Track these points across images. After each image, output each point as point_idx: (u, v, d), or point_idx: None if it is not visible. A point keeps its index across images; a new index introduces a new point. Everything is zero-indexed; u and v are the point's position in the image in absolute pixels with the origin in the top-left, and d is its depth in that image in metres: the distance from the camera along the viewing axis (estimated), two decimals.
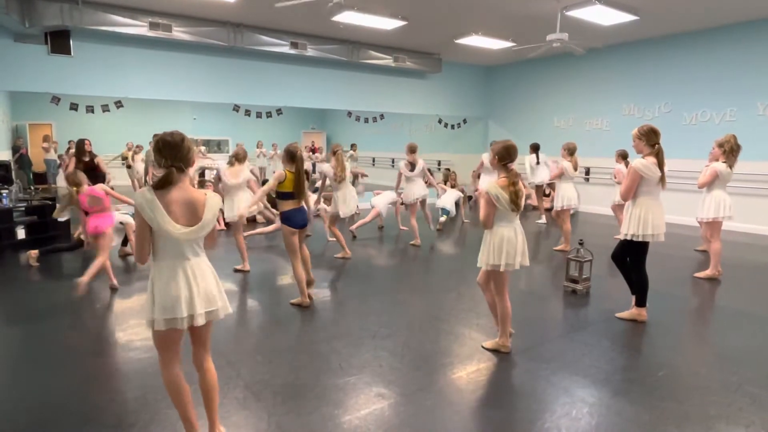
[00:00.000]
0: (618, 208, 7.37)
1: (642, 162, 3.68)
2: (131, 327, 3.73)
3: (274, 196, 4.27)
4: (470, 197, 11.37)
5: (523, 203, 3.10)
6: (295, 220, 4.10)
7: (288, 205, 4.08)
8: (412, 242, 6.75)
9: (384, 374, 3.02)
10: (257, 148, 12.88)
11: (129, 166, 10.39)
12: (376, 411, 2.60)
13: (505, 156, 3.10)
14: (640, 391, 2.83)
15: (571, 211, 8.10)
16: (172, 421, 2.47)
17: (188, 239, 2.04)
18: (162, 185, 2.01)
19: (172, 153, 2.06)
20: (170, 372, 2.15)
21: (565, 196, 6.42)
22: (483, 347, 3.40)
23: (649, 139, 3.71)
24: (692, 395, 2.80)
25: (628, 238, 3.80)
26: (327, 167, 6.06)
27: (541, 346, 3.47)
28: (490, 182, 3.16)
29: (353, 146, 12.82)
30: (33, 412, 2.58)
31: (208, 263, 2.17)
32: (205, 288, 2.10)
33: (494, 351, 3.34)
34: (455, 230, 8.10)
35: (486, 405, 2.72)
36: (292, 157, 4.07)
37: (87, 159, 7.21)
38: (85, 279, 4.13)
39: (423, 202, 6.86)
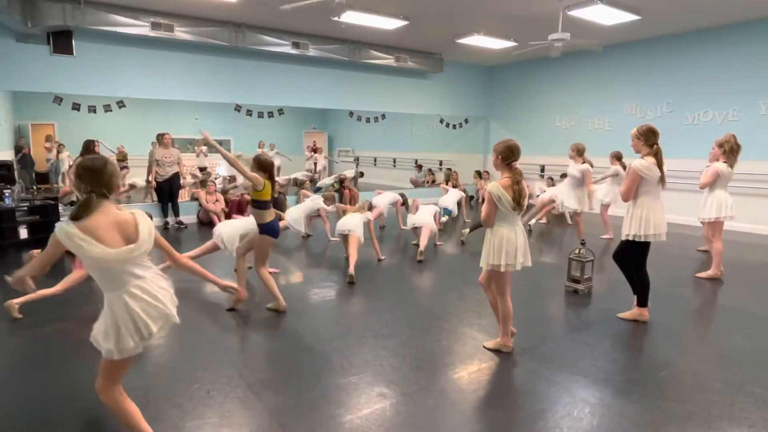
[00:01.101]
0: (604, 209, 7.52)
1: (641, 162, 3.67)
2: None
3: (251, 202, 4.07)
4: (472, 197, 11.37)
5: (525, 203, 3.10)
6: (277, 230, 4.10)
7: (270, 216, 4.00)
8: (414, 242, 6.75)
9: (385, 374, 3.02)
10: (259, 148, 12.86)
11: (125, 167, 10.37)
12: (378, 410, 2.60)
13: (509, 155, 3.09)
14: (642, 391, 2.83)
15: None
16: (174, 421, 2.47)
17: (124, 260, 1.94)
18: (79, 215, 1.89)
19: (92, 179, 1.95)
20: (120, 391, 2.13)
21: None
22: (485, 347, 3.40)
23: (648, 138, 3.71)
24: (694, 395, 2.80)
25: (630, 238, 3.79)
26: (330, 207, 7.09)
27: (543, 346, 3.47)
28: (493, 182, 3.16)
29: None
30: (34, 412, 2.59)
31: (157, 280, 2.10)
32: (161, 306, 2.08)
33: (496, 351, 3.34)
34: (457, 230, 8.09)
35: (487, 405, 2.72)
36: (263, 166, 3.94)
37: None
38: (17, 301, 3.88)
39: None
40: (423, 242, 6.08)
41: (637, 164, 3.68)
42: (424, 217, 6.37)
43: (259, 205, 3.95)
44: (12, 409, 2.62)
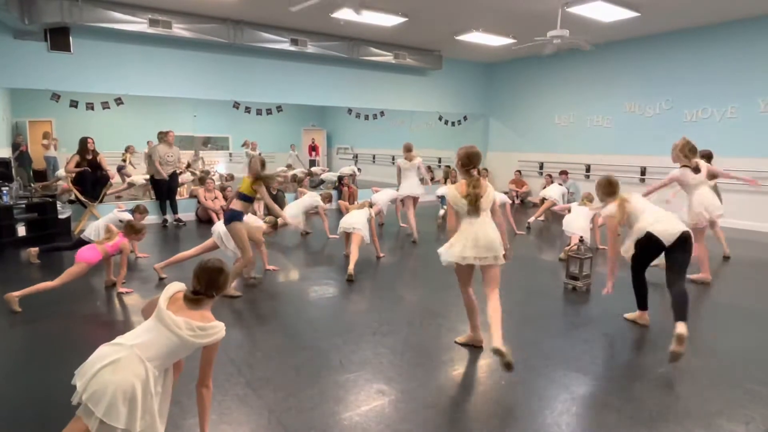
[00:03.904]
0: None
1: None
2: (133, 324, 3.74)
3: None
4: None
5: (482, 204, 3.08)
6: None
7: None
8: (412, 239, 6.75)
9: (384, 371, 3.02)
10: (243, 146, 12.70)
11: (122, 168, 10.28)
12: (377, 407, 2.61)
13: (467, 162, 3.15)
14: (641, 388, 2.84)
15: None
16: (174, 419, 2.47)
17: None
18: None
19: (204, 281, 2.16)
20: None
21: None
22: (456, 342, 3.44)
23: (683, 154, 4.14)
24: (692, 391, 2.81)
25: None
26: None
27: (542, 343, 3.48)
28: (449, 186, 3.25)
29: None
30: (35, 410, 2.59)
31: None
32: None
33: (470, 346, 3.39)
34: None
35: (486, 401, 2.72)
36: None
37: (90, 157, 7.21)
38: (16, 294, 3.90)
39: (415, 201, 6.99)
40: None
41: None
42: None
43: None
44: (13, 403, 2.62)
